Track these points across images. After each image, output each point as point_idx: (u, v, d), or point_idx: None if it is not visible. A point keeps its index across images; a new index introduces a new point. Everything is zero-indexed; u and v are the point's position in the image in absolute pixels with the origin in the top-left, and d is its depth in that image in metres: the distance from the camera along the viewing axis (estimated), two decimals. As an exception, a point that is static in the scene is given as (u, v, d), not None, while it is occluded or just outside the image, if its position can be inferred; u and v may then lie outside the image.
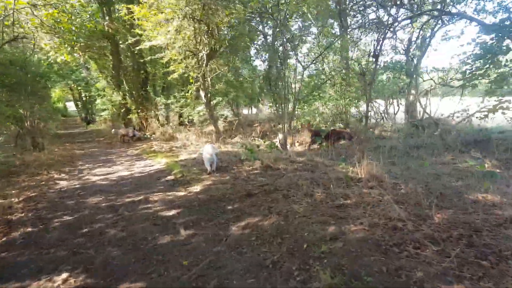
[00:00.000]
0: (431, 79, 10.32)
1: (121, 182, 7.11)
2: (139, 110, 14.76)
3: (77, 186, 6.94)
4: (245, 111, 22.32)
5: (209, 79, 12.01)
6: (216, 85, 13.39)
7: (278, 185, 5.06)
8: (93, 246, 3.65)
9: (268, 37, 20.68)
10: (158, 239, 3.68)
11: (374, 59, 5.91)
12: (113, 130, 15.55)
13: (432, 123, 9.69)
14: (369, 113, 12.37)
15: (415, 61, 11.44)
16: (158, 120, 15.90)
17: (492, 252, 2.68)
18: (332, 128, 10.66)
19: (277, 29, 18.34)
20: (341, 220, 3.48)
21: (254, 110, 26.45)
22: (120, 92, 15.55)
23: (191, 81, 12.36)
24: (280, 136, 11.75)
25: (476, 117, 7.13)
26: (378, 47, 5.93)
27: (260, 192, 4.82)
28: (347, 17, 13.13)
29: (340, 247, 2.93)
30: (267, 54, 20.63)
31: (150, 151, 11.12)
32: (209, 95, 12.16)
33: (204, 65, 11.35)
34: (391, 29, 8.53)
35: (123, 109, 15.92)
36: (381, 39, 6.08)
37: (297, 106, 9.28)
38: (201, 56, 11.43)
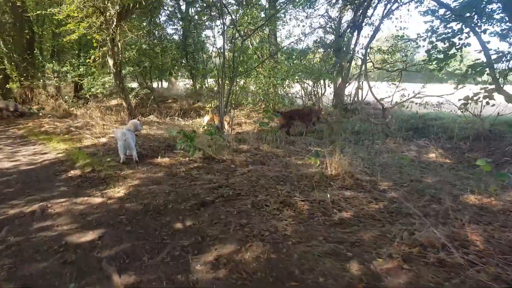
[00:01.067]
0: (371, 62, 10.24)
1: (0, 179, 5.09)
2: (22, 78, 11.52)
3: None
4: (154, 85, 19.96)
5: (119, 43, 9.86)
6: (127, 53, 11.19)
7: (236, 187, 3.96)
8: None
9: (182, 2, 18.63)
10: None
11: (355, 31, 5.11)
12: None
13: (363, 107, 9.77)
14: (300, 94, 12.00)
15: (352, 42, 11.26)
16: (47, 91, 12.80)
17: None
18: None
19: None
20: (358, 250, 2.58)
21: (165, 84, 24.12)
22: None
23: (94, 44, 10.00)
24: (206, 118, 10.53)
25: (460, 106, 7.07)
26: (359, 17, 5.12)
27: (217, 198, 3.65)
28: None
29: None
30: (180, 23, 18.69)
31: (40, 132, 8.65)
32: (118, 63, 10.02)
33: (113, 26, 9.17)
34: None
35: (0, 76, 12.32)
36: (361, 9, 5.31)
37: (234, 83, 8.15)
38: (110, 15, 9.21)
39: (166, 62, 16.59)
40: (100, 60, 10.45)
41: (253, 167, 4.93)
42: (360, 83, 10.81)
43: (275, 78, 10.60)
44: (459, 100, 6.92)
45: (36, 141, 7.83)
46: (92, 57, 10.42)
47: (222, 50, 7.45)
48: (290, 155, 5.96)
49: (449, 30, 6.24)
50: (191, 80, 17.79)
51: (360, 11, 5.17)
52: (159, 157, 5.74)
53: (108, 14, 9.21)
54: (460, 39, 6.27)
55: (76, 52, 14.76)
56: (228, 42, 8.64)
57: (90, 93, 11.22)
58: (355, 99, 10.83)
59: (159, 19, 17.68)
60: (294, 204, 3.40)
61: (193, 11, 18.91)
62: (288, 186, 3.92)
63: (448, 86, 7.85)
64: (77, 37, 9.64)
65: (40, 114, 11.00)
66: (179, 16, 18.83)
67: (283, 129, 8.64)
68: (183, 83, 20.15)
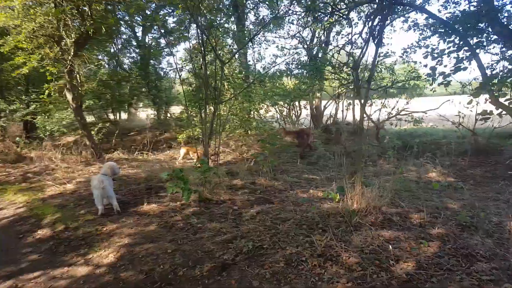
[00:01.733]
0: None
1: None
2: (-39, 120, 10.09)
3: None
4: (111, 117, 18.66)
5: (78, 75, 8.97)
6: (86, 85, 10.26)
7: (254, 237, 3.36)
8: None
9: (137, 30, 17.80)
10: None
11: (375, 44, 4.80)
12: None
13: (344, 127, 9.69)
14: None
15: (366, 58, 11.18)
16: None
17: None
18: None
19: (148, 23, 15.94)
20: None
21: (123, 116, 22.70)
22: None
23: (48, 78, 9.02)
24: (183, 150, 9.86)
25: (480, 119, 6.90)
26: (376, 31, 4.84)
27: (237, 255, 3.03)
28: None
29: None
30: (137, 50, 17.81)
31: (-10, 183, 7.45)
32: (78, 97, 9.09)
33: (71, 56, 8.32)
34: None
35: None
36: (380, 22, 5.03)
37: (218, 110, 7.60)
38: (66, 44, 8.37)
39: (125, 92, 15.68)
40: (57, 94, 9.42)
41: (260, 207, 4.39)
42: (342, 102, 10.77)
43: (251, 102, 10.23)
44: (457, 115, 6.95)
45: (-13, 195, 6.68)
46: (46, 92, 9.37)
47: (203, 74, 6.92)
48: (292, 187, 5.51)
49: (450, 45, 6.24)
50: (154, 110, 16.93)
51: (377, 22, 4.98)
52: (145, 203, 5.01)
53: (63, 43, 8.36)
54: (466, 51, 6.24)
55: (23, 88, 13.36)
56: (200, 66, 8.14)
57: (46, 132, 10.04)
58: (335, 119, 10.79)
59: (115, 47, 16.77)
60: (337, 257, 2.88)
61: (149, 37, 18.23)
62: (316, 231, 3.42)
63: (430, 101, 7.97)
64: (27, 71, 8.61)
65: (-14, 159, 9.62)
66: (135, 43, 17.96)
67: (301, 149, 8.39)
68: (144, 113, 19.18)
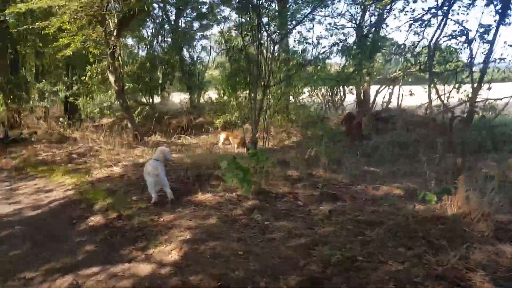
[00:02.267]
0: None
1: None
2: (9, 101, 10.22)
3: None
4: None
5: (120, 58, 8.76)
6: (126, 67, 10.09)
7: (340, 244, 2.88)
8: None
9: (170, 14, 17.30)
10: None
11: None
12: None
13: (399, 115, 9.01)
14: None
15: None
16: (37, 113, 11.45)
17: None
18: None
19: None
20: None
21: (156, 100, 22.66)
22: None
23: (91, 60, 8.89)
24: (222, 136, 9.54)
25: None
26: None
27: (327, 267, 2.56)
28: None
29: None
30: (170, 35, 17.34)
31: (37, 162, 7.42)
32: (120, 79, 8.93)
33: (114, 36, 8.09)
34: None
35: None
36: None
37: (268, 93, 7.18)
38: (110, 25, 8.14)
39: (157, 76, 15.49)
40: (99, 76, 9.30)
41: (330, 205, 3.93)
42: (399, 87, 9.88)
43: (293, 87, 9.67)
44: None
45: (35, 174, 6.65)
46: (88, 74, 9.26)
47: (257, 55, 6.44)
48: (358, 181, 5.00)
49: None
50: (188, 94, 16.70)
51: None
52: (199, 192, 4.70)
53: (107, 23, 8.12)
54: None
55: (63, 70, 13.44)
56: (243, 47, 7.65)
57: (92, 114, 10.00)
58: (388, 105, 10.02)
59: (148, 31, 16.48)
60: (466, 281, 2.29)
61: (182, 21, 17.74)
62: (418, 241, 2.89)
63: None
64: (71, 53, 8.48)
65: (33, 139, 9.73)
66: (167, 27, 17.47)
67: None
68: (177, 98, 19.04)
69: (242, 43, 7.80)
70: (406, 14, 8.75)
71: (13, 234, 4.04)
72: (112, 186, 5.38)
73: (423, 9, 9.26)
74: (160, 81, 15.95)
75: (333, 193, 4.34)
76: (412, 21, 7.94)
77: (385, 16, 9.95)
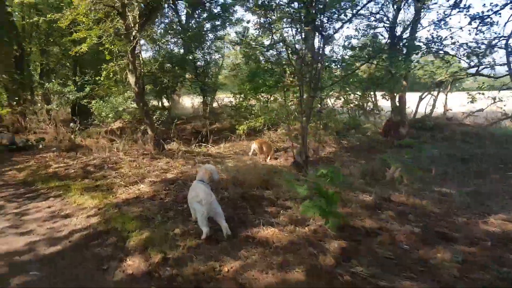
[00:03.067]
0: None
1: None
2: (14, 103, 9.24)
3: None
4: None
5: (141, 55, 7.80)
6: (146, 67, 9.11)
7: None
8: None
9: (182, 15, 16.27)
10: None
11: None
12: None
13: (445, 124, 8.04)
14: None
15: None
16: (44, 117, 10.45)
17: None
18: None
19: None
20: None
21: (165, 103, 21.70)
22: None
23: (106, 57, 7.92)
24: (254, 145, 8.58)
25: None
26: None
27: None
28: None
29: None
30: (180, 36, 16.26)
31: (48, 176, 6.43)
32: (141, 80, 7.95)
33: (135, 31, 7.12)
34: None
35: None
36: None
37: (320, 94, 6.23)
38: (132, 17, 7.16)
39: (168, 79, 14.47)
40: (118, 76, 8.31)
41: (449, 251, 2.95)
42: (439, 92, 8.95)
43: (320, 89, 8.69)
44: None
45: (47, 192, 5.66)
46: (104, 73, 8.29)
47: (304, 54, 5.49)
48: (454, 210, 4.01)
49: None
50: (201, 97, 15.70)
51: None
52: (260, 224, 3.72)
53: (129, 16, 7.14)
54: None
55: (71, 70, 12.44)
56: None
57: (108, 119, 9.02)
58: (431, 113, 9.07)
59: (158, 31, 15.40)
60: None
61: (193, 22, 16.67)
62: None
63: None
64: (86, 49, 7.52)
65: (40, 146, 8.76)
66: (179, 28, 16.41)
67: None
68: (190, 101, 18.08)
69: (281, 38, 6.88)
70: (462, 11, 7.76)
71: (29, 283, 3.06)
72: (145, 211, 4.39)
73: (484, 5, 8.47)
74: (172, 83, 14.96)
75: (439, 231, 3.36)
76: (473, 18, 6.94)
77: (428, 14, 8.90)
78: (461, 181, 5.76)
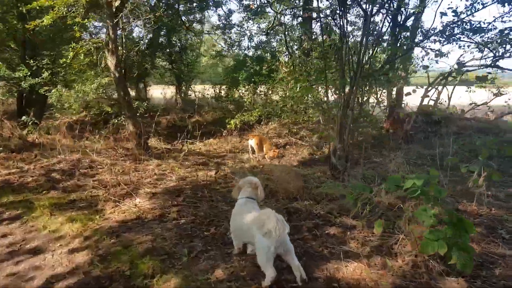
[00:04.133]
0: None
1: None
2: None
3: None
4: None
5: (122, 34, 6.25)
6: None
7: None
8: None
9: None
10: None
11: None
12: None
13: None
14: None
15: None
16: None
17: None
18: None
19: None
20: None
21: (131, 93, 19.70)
22: None
23: (77, 35, 6.27)
24: (252, 141, 7.44)
25: None
26: None
27: None
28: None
29: None
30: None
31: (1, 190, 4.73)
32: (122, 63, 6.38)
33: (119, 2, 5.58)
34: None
35: None
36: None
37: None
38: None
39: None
40: (93, 57, 6.61)
41: None
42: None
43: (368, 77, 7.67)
44: None
45: (2, 211, 4.02)
46: (71, 53, 6.56)
47: (341, 40, 4.41)
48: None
49: None
50: (178, 87, 14.12)
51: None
52: (337, 258, 2.59)
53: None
54: None
55: (17, 53, 10.14)
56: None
57: (72, 111, 7.24)
58: (435, 107, 8.47)
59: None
60: None
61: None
62: None
63: None
64: (50, 22, 5.82)
65: (-20, 146, 6.79)
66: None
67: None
68: (159, 91, 16.32)
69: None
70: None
71: None
72: (158, 240, 3.07)
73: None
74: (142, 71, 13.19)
75: None
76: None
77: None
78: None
